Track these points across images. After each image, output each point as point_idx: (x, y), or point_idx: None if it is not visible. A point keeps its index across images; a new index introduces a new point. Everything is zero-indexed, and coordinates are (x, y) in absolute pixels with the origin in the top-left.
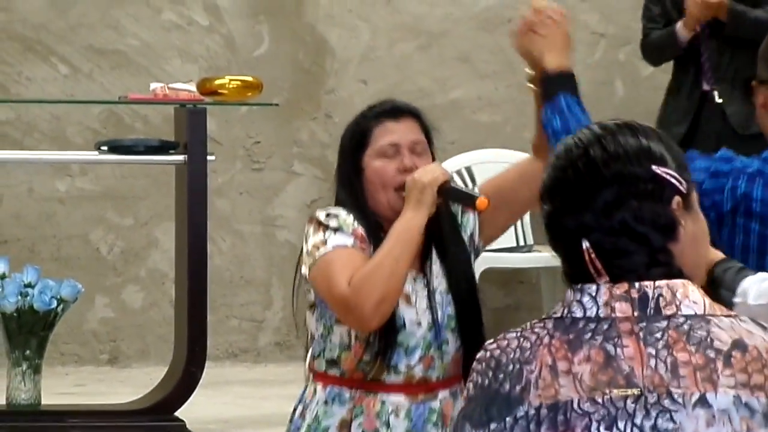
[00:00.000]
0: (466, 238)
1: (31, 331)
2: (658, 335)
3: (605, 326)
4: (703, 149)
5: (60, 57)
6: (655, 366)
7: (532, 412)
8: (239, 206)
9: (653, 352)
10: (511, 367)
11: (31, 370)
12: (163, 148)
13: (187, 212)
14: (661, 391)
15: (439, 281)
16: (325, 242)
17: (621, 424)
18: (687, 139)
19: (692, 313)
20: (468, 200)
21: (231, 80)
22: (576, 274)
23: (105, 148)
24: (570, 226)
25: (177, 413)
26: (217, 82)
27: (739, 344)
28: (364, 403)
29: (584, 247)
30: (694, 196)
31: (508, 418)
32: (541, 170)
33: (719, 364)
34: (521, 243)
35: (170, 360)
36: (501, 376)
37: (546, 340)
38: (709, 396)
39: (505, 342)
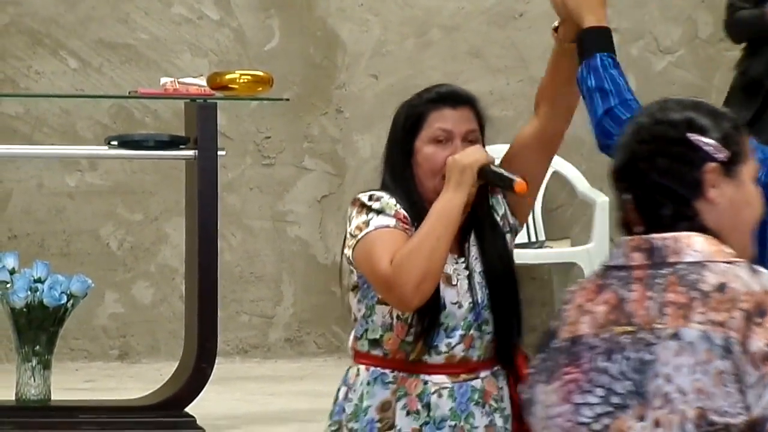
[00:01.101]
0: (498, 218)
1: (40, 327)
2: (660, 280)
3: (624, 273)
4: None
5: (69, 51)
6: (649, 307)
7: (560, 344)
8: (249, 202)
9: (652, 294)
10: (564, 307)
11: (40, 366)
12: (173, 143)
13: (198, 207)
14: (648, 328)
15: (478, 263)
16: (367, 223)
17: (615, 357)
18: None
19: (693, 260)
20: (506, 183)
21: (241, 75)
22: (626, 223)
23: (115, 142)
24: (619, 180)
25: (187, 409)
26: (228, 76)
27: (721, 286)
28: (406, 384)
29: (624, 198)
30: (744, 168)
31: (548, 349)
32: (541, 129)
33: (697, 303)
34: (533, 239)
35: (180, 356)
36: (559, 315)
37: (586, 284)
38: (681, 330)
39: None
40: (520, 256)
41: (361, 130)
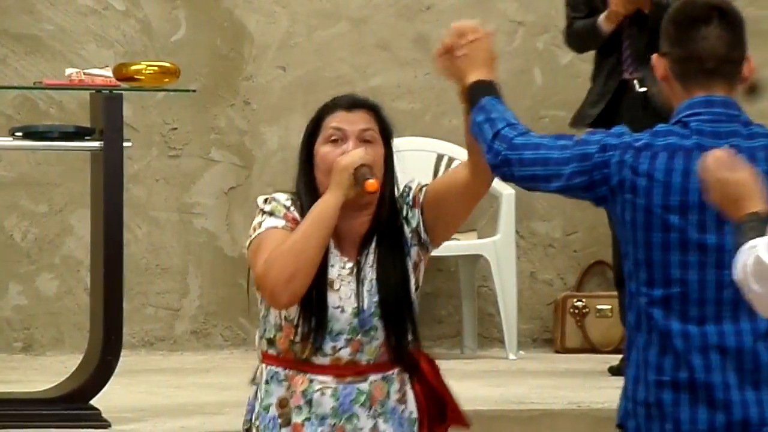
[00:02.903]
0: (408, 231)
1: None
2: None
3: None
4: None
5: None
6: None
7: None
8: (155, 193)
9: None
10: None
11: None
12: (78, 134)
13: (103, 199)
14: None
15: (372, 270)
16: (260, 224)
17: None
18: (600, 120)
19: None
20: (362, 182)
21: (148, 66)
22: None
23: (19, 134)
24: None
25: (92, 401)
26: (134, 67)
27: None
28: (293, 381)
29: None
30: None
31: None
32: (472, 182)
33: None
34: None
35: (85, 348)
36: None
37: None
38: None
39: None
40: None
41: (269, 121)
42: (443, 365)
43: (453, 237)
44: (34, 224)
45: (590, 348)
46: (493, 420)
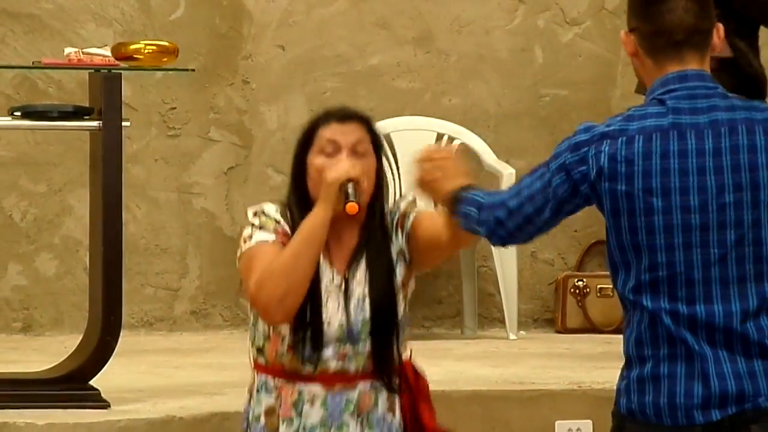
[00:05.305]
0: (394, 250)
1: None
2: None
3: None
4: None
5: None
6: None
7: None
8: (155, 173)
9: None
10: None
11: None
12: (77, 113)
13: (102, 179)
14: None
15: (362, 287)
16: (250, 237)
17: None
18: None
19: None
20: (344, 203)
21: (146, 45)
22: None
23: (18, 113)
24: None
25: (91, 382)
26: (133, 47)
27: None
28: (283, 392)
29: None
30: None
31: None
32: (455, 244)
33: None
34: None
35: (85, 328)
36: None
37: None
38: None
39: None
40: None
41: (268, 101)
42: (443, 345)
43: None
44: (33, 204)
45: (591, 328)
46: (493, 400)
